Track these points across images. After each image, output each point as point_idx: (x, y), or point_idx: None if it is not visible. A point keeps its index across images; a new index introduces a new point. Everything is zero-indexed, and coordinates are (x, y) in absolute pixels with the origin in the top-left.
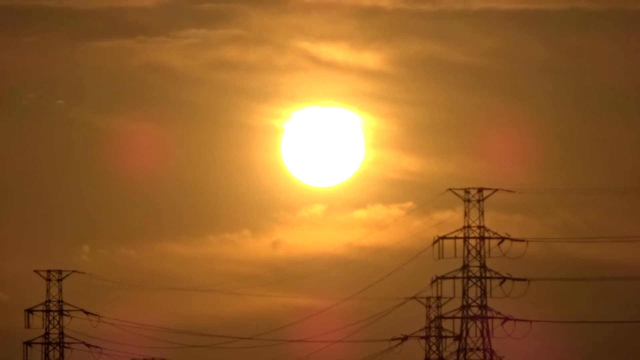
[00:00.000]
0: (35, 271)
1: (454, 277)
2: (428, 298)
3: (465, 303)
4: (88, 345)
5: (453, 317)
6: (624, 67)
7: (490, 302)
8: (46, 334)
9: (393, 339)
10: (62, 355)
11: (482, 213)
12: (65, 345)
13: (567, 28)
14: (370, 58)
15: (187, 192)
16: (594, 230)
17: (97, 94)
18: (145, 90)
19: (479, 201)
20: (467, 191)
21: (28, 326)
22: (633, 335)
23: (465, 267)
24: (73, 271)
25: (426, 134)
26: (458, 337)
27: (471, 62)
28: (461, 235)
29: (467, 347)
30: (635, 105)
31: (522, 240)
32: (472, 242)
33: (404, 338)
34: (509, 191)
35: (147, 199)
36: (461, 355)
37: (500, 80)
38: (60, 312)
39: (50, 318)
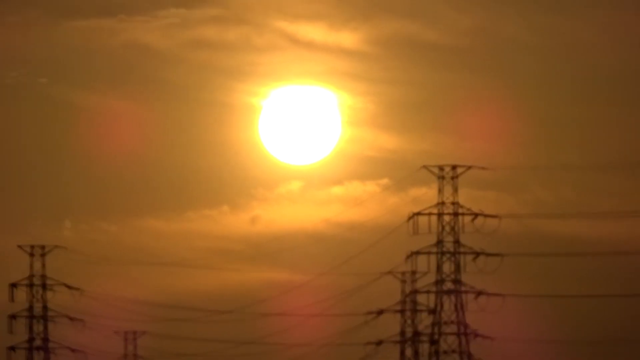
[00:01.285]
0: (18, 246)
1: (429, 253)
2: (403, 273)
3: (439, 278)
4: (71, 319)
5: (428, 292)
6: (599, 47)
7: (464, 277)
8: (30, 308)
9: (369, 313)
10: (46, 328)
11: (456, 190)
12: (49, 318)
13: (544, 7)
14: (348, 37)
15: (167, 169)
16: (567, 207)
17: (78, 72)
18: (125, 69)
19: (453, 178)
20: (441, 168)
21: (12, 300)
22: (604, 309)
23: (439, 242)
24: (55, 246)
25: (402, 112)
26: (432, 311)
27: (447, 42)
28: (435, 211)
29: (442, 320)
30: (609, 84)
31: (495, 217)
32: (447, 218)
33: (380, 312)
34: (483, 168)
35: (127, 176)
36: (435, 329)
37: (476, 59)
38: (44, 286)
39: (34, 292)
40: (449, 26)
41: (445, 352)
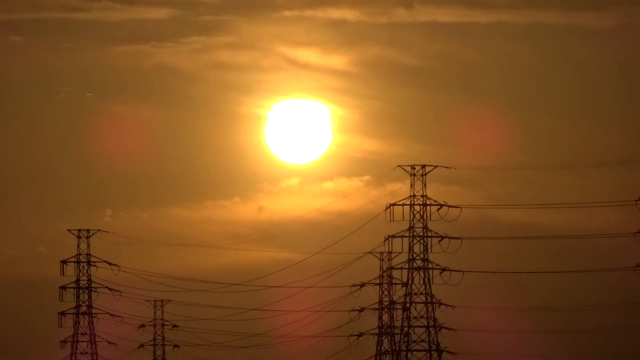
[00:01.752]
0: (68, 230)
1: (402, 236)
2: (381, 253)
3: (410, 257)
4: (110, 289)
5: (401, 268)
6: (539, 67)
7: (431, 256)
8: (77, 280)
9: (353, 285)
10: (90, 297)
11: (425, 185)
12: (93, 289)
13: (494, 37)
14: (338, 60)
15: (189, 167)
16: (514, 199)
17: (118, 88)
18: (156, 85)
19: (422, 175)
20: (413, 167)
21: (63, 274)
22: (544, 282)
23: (411, 228)
24: (98, 230)
25: (382, 121)
26: (405, 284)
27: (419, 64)
28: (408, 202)
29: (412, 292)
30: (547, 99)
31: (457, 207)
32: (417, 208)
33: (362, 285)
34: (447, 167)
35: (156, 172)
36: (407, 299)
37: (443, 79)
38: (88, 263)
39: (80, 268)
40: (421, 52)
41: (415, 318)
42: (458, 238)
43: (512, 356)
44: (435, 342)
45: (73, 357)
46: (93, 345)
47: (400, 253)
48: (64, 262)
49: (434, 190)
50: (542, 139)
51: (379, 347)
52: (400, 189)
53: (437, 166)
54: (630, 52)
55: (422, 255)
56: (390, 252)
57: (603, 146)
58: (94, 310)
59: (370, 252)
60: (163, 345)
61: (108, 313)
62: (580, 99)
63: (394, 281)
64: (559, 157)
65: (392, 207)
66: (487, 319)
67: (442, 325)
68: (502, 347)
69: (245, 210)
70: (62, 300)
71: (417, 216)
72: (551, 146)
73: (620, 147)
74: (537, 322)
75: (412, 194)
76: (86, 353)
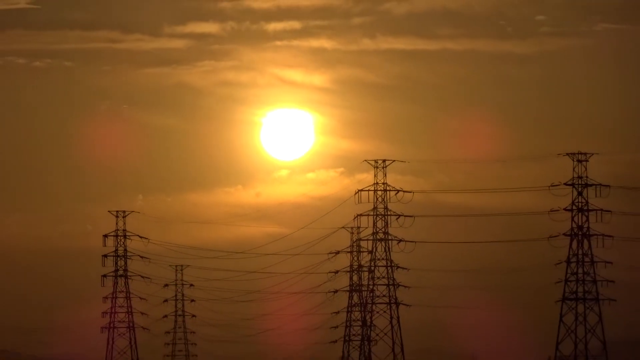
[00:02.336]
0: (109, 211)
1: (368, 215)
2: (352, 228)
3: (374, 231)
4: (141, 257)
5: (367, 239)
6: (475, 84)
7: (390, 230)
8: (115, 250)
9: (330, 253)
10: (125, 263)
11: (385, 175)
12: (127, 257)
13: (440, 60)
14: (318, 79)
15: (202, 162)
16: (456, 186)
17: (146, 101)
18: (176, 99)
19: (383, 168)
20: (376, 161)
21: (104, 245)
22: (480, 251)
23: (375, 208)
24: (132, 211)
25: (353, 126)
26: (370, 252)
27: (381, 82)
28: (372, 188)
29: (376, 258)
30: (481, 107)
31: (410, 192)
32: (379, 193)
33: (337, 252)
34: (402, 161)
35: (177, 166)
36: (372, 263)
37: (399, 93)
38: (124, 236)
39: (118, 240)
40: (383, 72)
41: (378, 278)
42: (411, 216)
43: (453, 307)
44: (394, 297)
45: (113, 310)
46: (128, 300)
47: (366, 228)
48: (105, 236)
49: (393, 179)
50: (478, 139)
51: (350, 301)
52: (366, 178)
53: (394, 160)
54: (547, 72)
55: (383, 230)
56: (358, 227)
57: (525, 145)
58: (128, 273)
59: (343, 227)
60: (182, 300)
61: (140, 275)
62: (507, 109)
63: (361, 250)
64: (491, 153)
65: (360, 192)
66: (434, 279)
67: (399, 283)
68: (446, 300)
69: (246, 195)
70: (104, 266)
71: (380, 199)
72: (485, 144)
73: (538, 145)
74: (473, 281)
75: (375, 182)
76: (122, 307)
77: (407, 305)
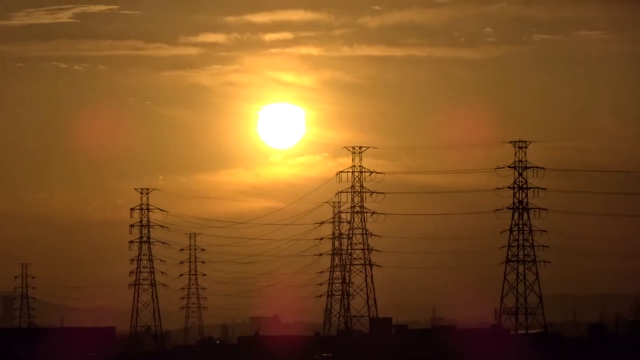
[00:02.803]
0: (135, 189)
1: (347, 192)
2: (334, 202)
3: (352, 205)
4: (162, 226)
5: (347, 212)
6: (435, 84)
7: (366, 204)
8: (140, 221)
9: (316, 223)
10: (148, 230)
11: (361, 159)
12: (150, 226)
13: (406, 65)
14: (307, 80)
15: (211, 148)
16: (420, 168)
17: (166, 98)
18: (190, 96)
19: (360, 153)
20: (354, 148)
21: (131, 217)
22: (437, 220)
23: (352, 186)
24: (154, 189)
25: (335, 119)
26: (349, 222)
27: (358, 82)
28: (351, 170)
29: (354, 227)
30: (440, 104)
31: (382, 173)
32: (356, 174)
33: (322, 223)
34: (375, 148)
35: (190, 151)
36: (350, 232)
37: (373, 91)
38: (148, 209)
39: (142, 213)
40: (359, 74)
41: (355, 244)
42: (382, 193)
43: (417, 268)
44: (369, 259)
45: (138, 269)
46: (150, 262)
47: (345, 202)
48: (132, 209)
49: (368, 163)
50: (436, 129)
51: (332, 263)
52: (346, 162)
53: (369, 147)
54: (493, 74)
55: (360, 204)
56: (339, 202)
57: (475, 134)
58: (151, 240)
59: (326, 202)
60: (195, 261)
61: (160, 242)
62: (460, 104)
63: (342, 220)
64: (448, 141)
65: (340, 173)
66: (402, 244)
67: (373, 248)
68: (411, 263)
69: (247, 175)
70: (130, 234)
71: (357, 179)
72: (443, 134)
73: (486, 134)
74: (433, 247)
75: (353, 165)
76: (146, 267)
77: (379, 266)
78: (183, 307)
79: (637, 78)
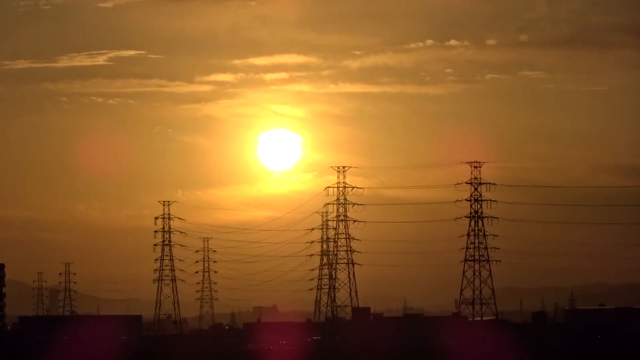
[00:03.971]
0: (158, 201)
1: (333, 203)
2: (322, 212)
3: (338, 214)
4: (180, 232)
5: (333, 220)
6: (406, 116)
7: (348, 214)
8: (163, 227)
9: (308, 229)
10: (169, 236)
11: (344, 177)
12: (171, 232)
13: (381, 99)
14: (300, 111)
15: (222, 168)
16: (394, 184)
17: (185, 127)
18: (205, 124)
19: (344, 172)
20: (339, 167)
21: (155, 224)
22: (408, 228)
23: (337, 199)
24: (174, 201)
25: (323, 144)
26: (335, 229)
27: (342, 114)
28: (336, 186)
29: (339, 232)
30: (411, 132)
31: (362, 188)
32: (341, 189)
33: (312, 229)
34: (356, 167)
35: (205, 170)
36: (336, 236)
37: (354, 121)
38: (169, 218)
39: (164, 220)
40: (343, 107)
41: (340, 246)
42: (362, 204)
43: (391, 266)
44: (351, 259)
45: (161, 268)
46: (171, 261)
47: (332, 212)
48: (156, 217)
49: (350, 179)
50: (406, 152)
51: (321, 262)
52: (333, 179)
53: (351, 167)
54: (453, 107)
55: (344, 214)
56: (327, 212)
57: (438, 156)
58: (171, 243)
59: (316, 212)
60: (208, 261)
61: (179, 244)
62: (426, 131)
63: (328, 227)
64: (415, 161)
65: (327, 188)
66: (378, 247)
67: (355, 250)
68: (386, 261)
69: (251, 191)
70: (154, 238)
71: (341, 193)
72: (411, 156)
73: (446, 156)
74: (404, 248)
75: (338, 181)
76: (167, 266)
77: (360, 264)
78: (198, 299)
79: (572, 110)
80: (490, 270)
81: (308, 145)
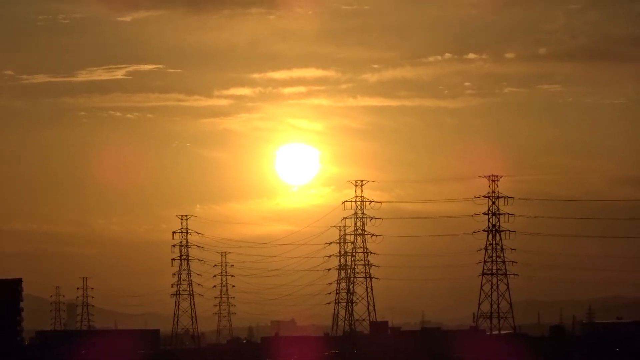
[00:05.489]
0: (176, 215)
1: (351, 217)
2: (340, 226)
3: (355, 228)
4: (198, 246)
5: (350, 234)
6: (424, 129)
7: (367, 228)
8: (181, 242)
9: (326, 243)
10: (187, 250)
11: (362, 191)
12: (189, 246)
13: (399, 113)
14: (319, 125)
15: (240, 181)
16: (411, 198)
17: (203, 141)
18: (224, 138)
19: (361, 185)
20: (357, 181)
21: (173, 238)
22: (425, 242)
23: (355, 213)
24: (192, 215)
25: (341, 158)
26: (352, 242)
27: (360, 127)
28: (354, 200)
29: (356, 246)
30: (426, 145)
31: (380, 202)
32: (359, 203)
33: (330, 243)
34: (374, 181)
35: (224, 184)
36: (354, 250)
37: (372, 135)
38: (187, 232)
39: (182, 235)
40: (361, 121)
41: (358, 260)
42: (380, 218)
43: (409, 280)
44: (369, 273)
45: (179, 282)
46: (189, 276)
47: (350, 226)
48: (174, 232)
49: (368, 193)
50: (424, 166)
51: (339, 276)
52: (350, 193)
53: (369, 181)
54: (471, 120)
55: (361, 228)
56: (344, 226)
57: (456, 170)
58: (189, 257)
59: (334, 226)
60: (226, 275)
61: (197, 259)
62: (444, 145)
63: (346, 241)
64: (434, 175)
65: (345, 202)
66: (396, 261)
67: (372, 264)
68: (404, 275)
69: (269, 205)
70: (172, 252)
71: (359, 207)
72: (430, 169)
73: (465, 170)
74: (422, 262)
75: (356, 195)
76: (185, 280)
77: (377, 278)
78: (216, 313)
79: (590, 123)
80: (507, 283)
81: (326, 159)
